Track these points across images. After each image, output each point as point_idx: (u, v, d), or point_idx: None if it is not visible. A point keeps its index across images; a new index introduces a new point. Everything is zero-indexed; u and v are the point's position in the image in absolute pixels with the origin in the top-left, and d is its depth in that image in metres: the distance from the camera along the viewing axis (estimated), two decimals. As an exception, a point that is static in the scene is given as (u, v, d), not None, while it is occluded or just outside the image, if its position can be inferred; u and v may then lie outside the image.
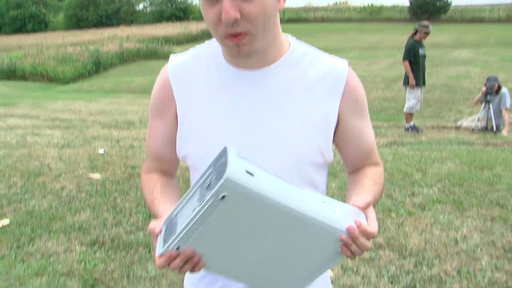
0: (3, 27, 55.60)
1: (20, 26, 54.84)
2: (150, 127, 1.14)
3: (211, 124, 1.03)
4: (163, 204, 1.03)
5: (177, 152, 1.09)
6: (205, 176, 0.81)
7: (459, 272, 2.90)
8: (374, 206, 0.98)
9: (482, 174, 4.77)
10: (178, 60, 1.10)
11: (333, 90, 1.03)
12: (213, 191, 0.72)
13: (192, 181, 1.13)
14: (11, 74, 21.43)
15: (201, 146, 1.04)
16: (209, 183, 0.76)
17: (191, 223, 0.75)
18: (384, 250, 3.17)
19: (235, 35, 0.92)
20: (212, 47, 1.06)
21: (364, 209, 0.89)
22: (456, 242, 3.28)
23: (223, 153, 0.77)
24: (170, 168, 1.18)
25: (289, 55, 1.04)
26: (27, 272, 2.90)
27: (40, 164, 5.12)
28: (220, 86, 1.03)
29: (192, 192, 0.83)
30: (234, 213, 0.75)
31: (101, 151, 5.60)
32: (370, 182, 1.07)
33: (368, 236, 0.86)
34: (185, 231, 0.76)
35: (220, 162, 0.76)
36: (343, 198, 1.02)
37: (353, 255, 0.88)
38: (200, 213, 0.74)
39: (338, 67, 1.05)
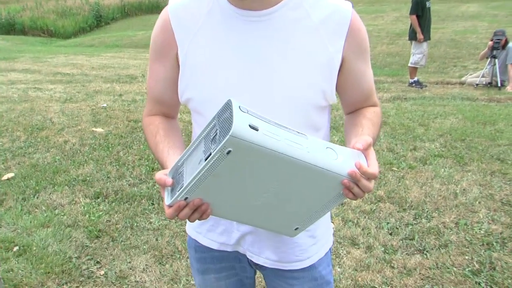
0: (1, -20, 54.33)
1: (19, -21, 53.56)
2: (150, 70, 1.13)
3: (214, 67, 1.01)
4: (168, 149, 1.05)
5: (179, 95, 1.08)
6: (209, 128, 0.81)
7: (457, 224, 2.94)
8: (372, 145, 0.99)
9: (484, 129, 4.76)
10: (179, 1, 1.06)
11: (337, 31, 1.01)
12: (219, 147, 0.73)
13: (194, 124, 1.13)
14: (10, 28, 21.16)
15: (204, 90, 1.03)
16: (214, 136, 0.78)
17: (198, 176, 0.77)
18: (384, 202, 3.22)
19: None
20: None
21: (364, 150, 0.90)
22: (456, 195, 3.32)
23: (227, 106, 0.77)
24: (172, 110, 1.17)
25: None
26: (33, 223, 2.96)
27: (43, 118, 5.13)
28: (223, 28, 1.01)
29: (197, 143, 0.84)
30: (240, 165, 0.77)
31: (103, 106, 5.60)
32: (369, 122, 1.08)
33: (370, 177, 0.87)
34: (192, 183, 0.78)
35: (224, 116, 0.77)
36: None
37: (355, 197, 0.89)
38: (207, 167, 0.76)
39: (342, 8, 1.02)
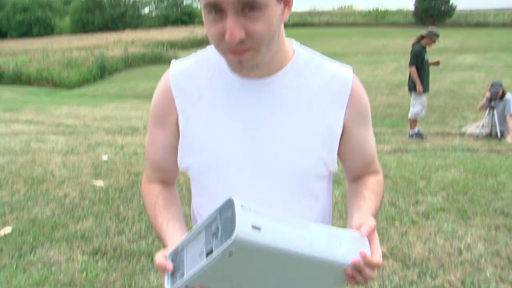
0: (10, 31, 56.01)
1: (26, 30, 55.24)
2: (150, 136, 1.13)
3: (214, 135, 1.01)
4: (167, 222, 1.04)
5: (178, 162, 1.08)
6: (211, 219, 0.81)
7: (463, 282, 2.87)
8: (375, 217, 0.99)
9: (487, 181, 4.74)
10: (180, 66, 1.07)
11: (338, 99, 1.01)
12: (221, 248, 0.73)
13: (194, 192, 1.12)
14: (17, 79, 21.53)
15: (204, 158, 1.02)
16: (216, 231, 0.78)
17: (199, 270, 0.78)
18: (387, 260, 3.15)
19: (238, 51, 0.91)
20: (215, 53, 1.03)
21: (369, 235, 0.89)
22: (460, 251, 3.26)
23: (229, 205, 0.77)
24: (170, 177, 1.17)
25: (293, 63, 1.02)
26: (28, 282, 2.89)
27: (43, 170, 5.13)
28: (223, 95, 1.01)
29: (198, 231, 0.83)
30: (242, 262, 0.78)
31: (104, 157, 5.61)
32: (371, 194, 1.07)
33: (373, 266, 0.86)
34: (193, 275, 0.79)
35: (226, 215, 0.77)
36: (346, 206, 1.02)
37: (357, 283, 0.89)
38: (208, 263, 0.76)
39: (343, 75, 1.03)
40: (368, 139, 1.11)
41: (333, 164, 1.05)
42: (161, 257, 0.88)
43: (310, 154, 1.00)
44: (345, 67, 1.05)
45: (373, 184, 1.11)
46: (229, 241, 0.72)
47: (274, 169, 0.99)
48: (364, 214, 0.99)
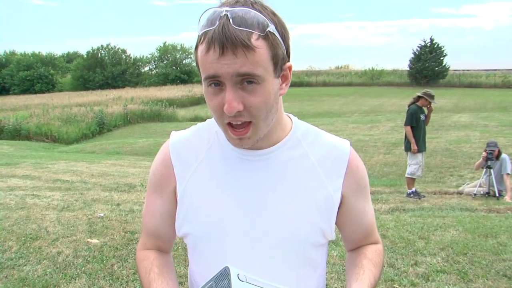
0: (12, 88, 57.01)
1: (29, 87, 56.23)
2: (147, 203, 1.13)
3: (210, 204, 1.02)
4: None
5: (176, 230, 1.08)
6: (207, 287, 0.82)
7: None
8: None
9: (487, 242, 4.68)
10: (180, 136, 1.10)
11: (336, 170, 1.03)
12: None
13: (190, 260, 1.12)
14: (16, 133, 21.68)
15: (200, 226, 1.03)
16: None
17: None
18: (387, 324, 3.06)
19: (238, 127, 0.93)
20: (215, 124, 1.05)
21: None
22: (462, 316, 3.17)
23: (225, 274, 0.78)
24: (166, 244, 1.17)
25: (291, 135, 1.05)
26: None
27: (37, 227, 5.05)
28: (222, 165, 1.03)
29: None
30: None
31: (100, 214, 5.55)
32: (370, 264, 1.07)
33: None
34: None
35: (222, 285, 0.77)
36: (344, 268, 1.01)
37: None
38: None
39: (340, 147, 1.05)
40: (366, 210, 1.12)
41: (331, 233, 1.05)
42: None
43: (308, 224, 1.01)
44: (343, 140, 1.08)
45: (373, 254, 1.11)
46: None
47: (271, 240, 0.99)
48: (362, 285, 0.99)
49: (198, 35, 0.91)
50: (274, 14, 0.93)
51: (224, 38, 0.86)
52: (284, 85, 0.98)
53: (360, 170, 1.07)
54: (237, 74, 0.88)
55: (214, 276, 0.80)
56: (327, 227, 1.03)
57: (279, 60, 0.92)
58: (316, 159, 1.03)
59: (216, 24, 0.87)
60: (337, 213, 1.05)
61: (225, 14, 0.87)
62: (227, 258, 0.99)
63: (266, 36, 0.89)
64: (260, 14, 0.89)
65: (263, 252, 1.00)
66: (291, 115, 1.10)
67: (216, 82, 0.91)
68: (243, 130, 0.94)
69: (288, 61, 0.96)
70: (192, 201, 1.04)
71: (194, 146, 1.07)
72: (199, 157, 1.05)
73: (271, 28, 0.90)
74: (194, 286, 1.15)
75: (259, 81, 0.90)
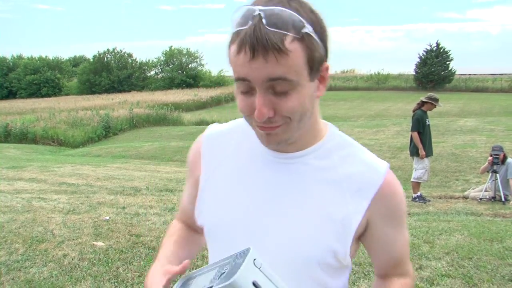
0: (19, 91, 57.39)
1: (35, 91, 56.59)
2: (186, 181, 1.18)
3: (227, 201, 1.02)
4: (164, 253, 1.11)
5: (195, 217, 1.11)
6: (226, 261, 0.86)
7: None
8: None
9: (492, 246, 4.66)
10: (216, 128, 1.11)
11: (363, 192, 0.95)
12: (220, 286, 0.78)
13: (209, 251, 1.11)
14: (23, 137, 21.83)
15: (213, 220, 1.04)
16: (223, 272, 0.83)
17: None
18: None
19: (267, 127, 0.90)
20: None
21: None
22: (467, 320, 3.16)
23: (244, 253, 0.81)
24: (192, 223, 1.17)
25: (322, 144, 0.99)
26: None
27: (44, 230, 5.09)
28: (246, 164, 1.02)
29: (212, 267, 0.90)
30: None
31: (105, 218, 5.58)
32: None
33: None
34: None
35: (238, 261, 0.80)
36: None
37: None
38: None
39: (374, 169, 0.97)
40: (397, 240, 1.02)
41: (345, 258, 0.96)
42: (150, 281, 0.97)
43: (317, 241, 0.94)
44: (381, 161, 0.99)
45: None
46: (227, 282, 0.75)
47: (274, 248, 0.95)
48: None
49: (231, 33, 0.86)
50: (312, 11, 0.86)
51: (255, 41, 0.81)
52: (321, 86, 0.92)
53: (395, 197, 0.98)
54: (268, 79, 0.84)
55: (236, 252, 0.83)
56: (340, 249, 0.94)
57: (316, 62, 0.86)
58: (344, 174, 0.96)
59: (248, 24, 0.82)
60: (364, 235, 0.98)
61: (258, 14, 0.82)
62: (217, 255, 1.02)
63: (302, 38, 0.83)
64: (296, 14, 0.83)
65: (267, 259, 0.94)
66: (329, 124, 1.03)
67: (247, 84, 0.86)
68: (273, 127, 0.89)
69: (326, 61, 0.90)
70: (211, 194, 1.05)
71: (226, 141, 1.07)
72: (226, 153, 1.05)
73: (308, 29, 0.83)
74: None
75: (292, 86, 0.84)
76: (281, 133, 0.90)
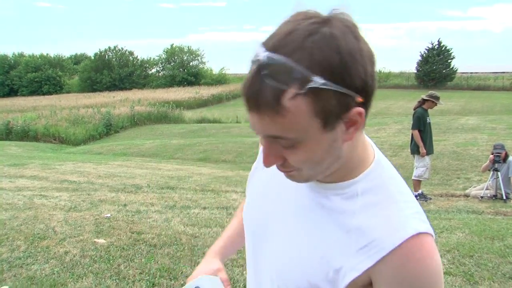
0: (21, 89, 57.48)
1: (37, 88, 56.67)
2: None
3: (252, 202, 1.04)
4: (229, 233, 1.19)
5: None
6: None
7: None
8: None
9: (493, 245, 4.66)
10: None
11: (369, 251, 0.81)
12: None
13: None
14: (24, 135, 21.86)
15: (244, 213, 1.08)
16: None
17: None
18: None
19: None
20: None
21: None
22: (468, 318, 3.16)
23: None
24: None
25: (353, 183, 0.86)
26: None
27: (45, 227, 5.10)
28: (279, 175, 0.92)
29: None
30: None
31: (106, 216, 5.59)
32: None
33: None
34: None
35: None
36: None
37: None
38: None
39: (395, 230, 0.80)
40: None
41: None
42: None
43: (304, 275, 0.87)
44: (410, 225, 0.81)
45: None
46: None
47: (267, 268, 0.95)
48: None
49: None
50: (339, 49, 0.71)
51: (249, 94, 0.72)
52: (352, 129, 0.78)
53: (410, 270, 0.79)
54: (266, 136, 0.77)
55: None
56: None
57: (332, 113, 0.73)
58: (358, 225, 0.83)
59: (251, 69, 0.72)
60: None
61: (257, 60, 0.71)
62: (247, 263, 1.05)
63: (307, 93, 0.70)
64: (302, 65, 0.69)
65: (260, 279, 0.98)
66: (377, 158, 0.89)
67: None
68: (287, 170, 0.83)
69: (361, 101, 0.75)
70: (249, 184, 1.07)
71: None
72: None
73: (317, 82, 0.69)
74: None
75: (295, 142, 0.75)
76: (298, 176, 0.83)
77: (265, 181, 1.01)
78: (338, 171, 0.85)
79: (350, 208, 0.84)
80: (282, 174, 0.89)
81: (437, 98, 7.47)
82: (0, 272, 3.85)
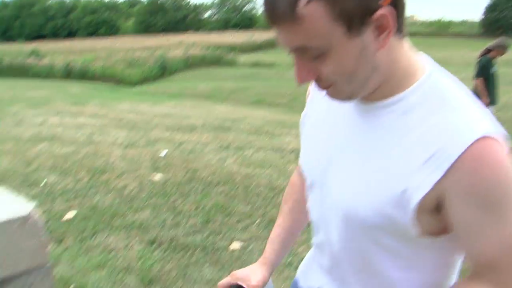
0: (79, 31, 58.90)
1: (94, 31, 57.95)
2: None
3: (310, 144, 0.99)
4: (278, 235, 1.14)
5: None
6: None
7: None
8: None
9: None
10: None
11: (437, 161, 0.74)
12: None
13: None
14: (83, 75, 22.54)
15: (302, 160, 1.02)
16: None
17: None
18: None
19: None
20: None
21: None
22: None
23: None
24: None
25: (405, 95, 0.81)
26: (89, 264, 2.98)
27: (105, 162, 5.30)
28: (332, 109, 0.93)
29: None
30: None
31: (163, 153, 5.72)
32: None
33: None
34: None
35: None
36: None
37: None
38: None
39: (460, 135, 0.73)
40: (485, 230, 0.76)
41: (413, 228, 0.80)
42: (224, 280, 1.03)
43: (371, 202, 0.82)
44: (477, 126, 0.74)
45: None
46: None
47: (334, 202, 0.90)
48: None
49: None
50: None
51: (267, 8, 0.72)
52: (382, 36, 0.74)
53: (481, 174, 0.72)
54: (291, 49, 0.76)
55: None
56: (399, 216, 0.79)
57: (354, 16, 0.70)
58: (420, 136, 0.77)
59: None
60: (442, 214, 0.79)
61: None
62: (310, 205, 1.02)
63: None
64: None
65: (327, 215, 0.93)
66: (428, 67, 0.83)
67: None
68: (323, 85, 0.80)
69: (383, 4, 0.71)
70: (303, 132, 1.02)
71: None
72: (324, 98, 0.95)
73: None
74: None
75: (321, 51, 0.73)
76: (336, 93, 0.80)
77: (317, 125, 0.97)
78: (384, 87, 0.80)
79: (406, 123, 0.79)
80: (332, 113, 0.90)
81: (504, 47, 7.02)
82: (67, 201, 4.07)
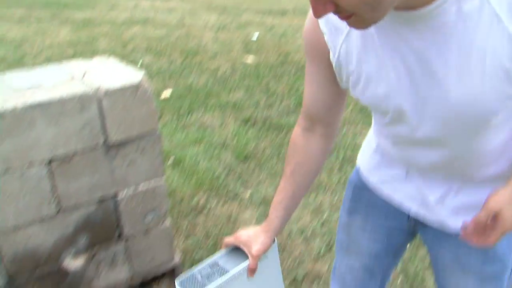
0: None
1: None
2: (306, 74, 0.99)
3: (371, 69, 0.83)
4: (279, 202, 1.05)
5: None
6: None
7: None
8: None
9: None
10: None
11: None
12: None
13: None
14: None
15: (364, 96, 0.88)
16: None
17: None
18: None
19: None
20: None
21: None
22: None
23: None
24: (324, 123, 1.03)
25: None
26: (186, 139, 3.08)
27: (197, 44, 5.30)
28: (376, 32, 0.80)
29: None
30: None
31: (254, 36, 5.60)
32: None
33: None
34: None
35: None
36: None
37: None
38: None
39: None
40: None
41: None
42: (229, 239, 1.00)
43: (477, 99, 0.76)
44: None
45: None
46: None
47: (442, 111, 0.79)
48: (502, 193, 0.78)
49: None
50: None
51: None
52: None
53: None
54: None
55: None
56: None
57: None
58: (491, 15, 0.69)
59: None
60: None
61: None
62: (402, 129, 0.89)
63: None
64: None
65: (433, 122, 0.83)
66: None
67: None
68: (345, 18, 0.69)
69: None
70: (349, 69, 0.86)
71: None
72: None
73: None
74: (371, 143, 1.12)
75: None
76: (359, 22, 0.69)
77: (368, 59, 0.83)
78: None
79: (476, 2, 0.69)
80: (378, 40, 0.79)
81: None
82: (163, 80, 4.16)
